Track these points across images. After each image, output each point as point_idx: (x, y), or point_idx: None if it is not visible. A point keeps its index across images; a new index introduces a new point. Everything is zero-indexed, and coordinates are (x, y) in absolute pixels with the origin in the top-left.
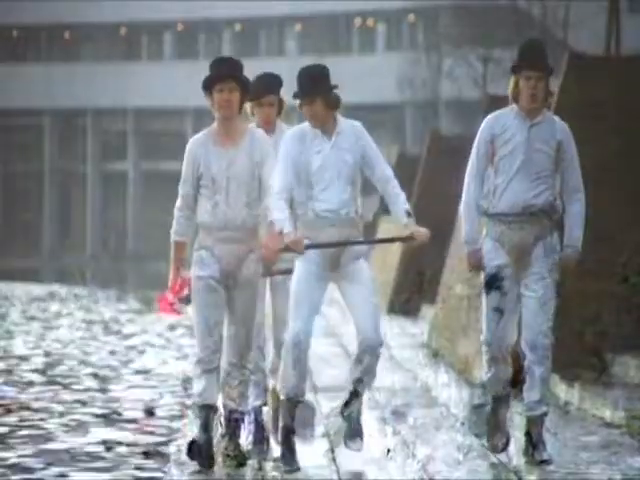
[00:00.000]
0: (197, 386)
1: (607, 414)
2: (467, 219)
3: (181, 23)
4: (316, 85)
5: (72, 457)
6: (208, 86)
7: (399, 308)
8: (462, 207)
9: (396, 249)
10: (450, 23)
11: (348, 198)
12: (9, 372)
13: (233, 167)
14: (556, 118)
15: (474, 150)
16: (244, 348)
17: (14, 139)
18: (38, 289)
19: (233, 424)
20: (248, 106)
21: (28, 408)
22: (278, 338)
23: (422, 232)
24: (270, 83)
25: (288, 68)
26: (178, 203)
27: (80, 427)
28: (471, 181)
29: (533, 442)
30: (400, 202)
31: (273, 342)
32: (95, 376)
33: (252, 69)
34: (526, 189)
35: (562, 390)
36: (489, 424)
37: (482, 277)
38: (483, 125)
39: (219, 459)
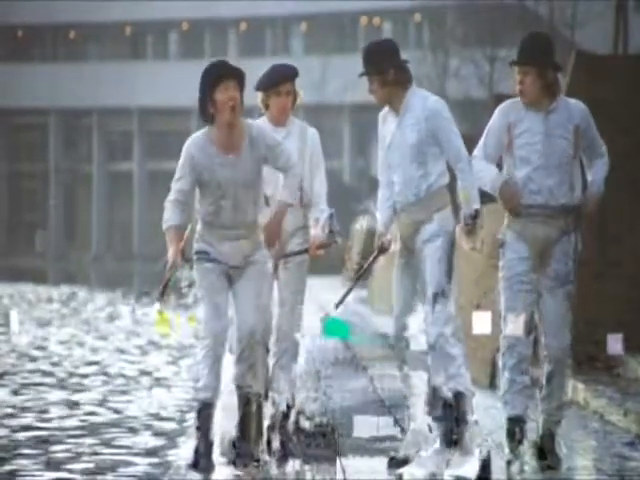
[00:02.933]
0: (201, 379)
1: (616, 417)
2: (482, 170)
3: (186, 23)
4: (368, 63)
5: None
6: (213, 83)
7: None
8: (472, 169)
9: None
10: (456, 22)
11: (417, 177)
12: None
13: (239, 173)
14: (571, 101)
15: (484, 136)
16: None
17: (19, 139)
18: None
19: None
20: (260, 98)
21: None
22: (283, 335)
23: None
24: (287, 71)
25: None
26: (171, 197)
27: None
28: (476, 162)
29: (546, 447)
30: (459, 187)
31: (276, 338)
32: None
33: (257, 68)
34: (548, 180)
35: (573, 391)
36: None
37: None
38: (497, 112)
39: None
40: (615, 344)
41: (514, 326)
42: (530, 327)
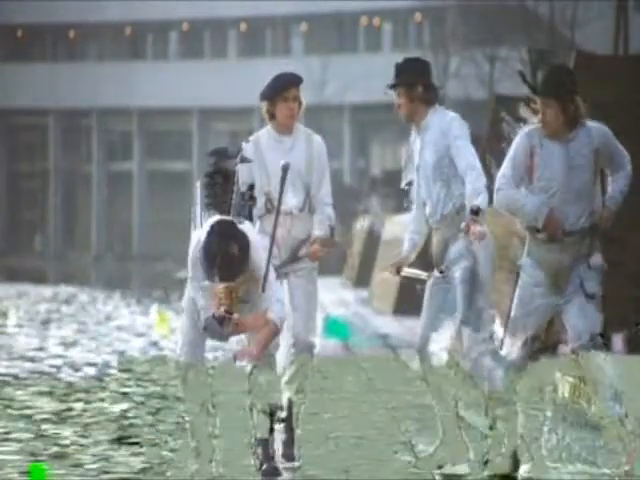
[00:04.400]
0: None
1: None
2: (522, 198)
3: (186, 22)
4: (398, 76)
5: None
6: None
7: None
8: (502, 202)
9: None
10: (457, 22)
11: (442, 197)
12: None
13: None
14: (593, 125)
15: (507, 164)
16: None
17: (19, 139)
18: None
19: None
20: (265, 108)
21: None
22: (300, 339)
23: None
24: (292, 77)
25: (293, 67)
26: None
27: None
28: (510, 191)
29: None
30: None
31: (292, 342)
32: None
33: (258, 68)
34: (566, 208)
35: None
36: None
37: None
38: (519, 138)
39: None
40: (618, 343)
41: (511, 348)
42: (530, 348)
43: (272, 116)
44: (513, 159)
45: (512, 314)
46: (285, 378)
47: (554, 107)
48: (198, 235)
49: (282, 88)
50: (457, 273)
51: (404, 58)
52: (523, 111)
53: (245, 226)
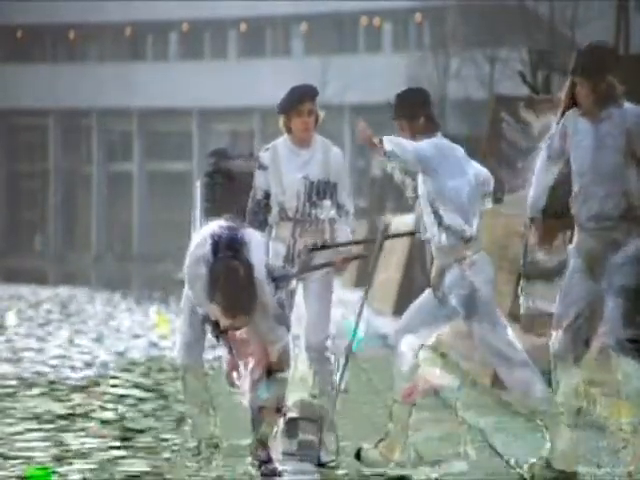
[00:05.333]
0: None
1: None
2: (537, 178)
3: (186, 23)
4: (400, 108)
5: None
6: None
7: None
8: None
9: (402, 249)
10: (457, 22)
11: (430, 228)
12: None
13: None
14: (629, 106)
15: (545, 144)
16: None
17: (19, 139)
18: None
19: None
20: (282, 121)
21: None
22: (311, 343)
23: None
24: (307, 90)
25: (294, 68)
26: None
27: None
28: (539, 161)
29: None
30: None
31: (305, 347)
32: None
33: (258, 69)
34: (598, 192)
35: None
36: None
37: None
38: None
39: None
40: None
41: (554, 340)
42: (572, 339)
43: (289, 129)
44: (550, 139)
45: (557, 304)
46: (297, 379)
47: (585, 86)
48: (198, 243)
49: (296, 102)
50: (453, 300)
51: (405, 89)
52: (523, 112)
53: (247, 235)
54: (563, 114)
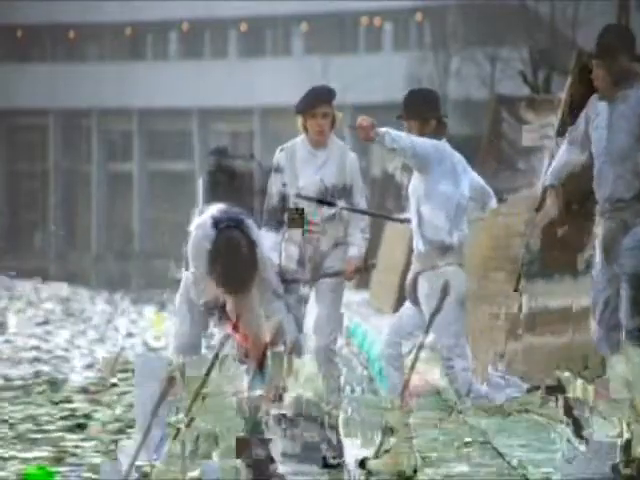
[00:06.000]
0: None
1: None
2: (558, 157)
3: (186, 22)
4: (411, 110)
5: None
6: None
7: None
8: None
9: (402, 248)
10: (458, 22)
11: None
12: None
13: None
14: None
15: (569, 129)
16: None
17: (19, 139)
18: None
19: None
20: (300, 121)
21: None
22: (320, 344)
23: None
24: (323, 93)
25: (294, 68)
26: None
27: None
28: (559, 152)
29: None
30: None
31: (314, 348)
32: None
33: (258, 68)
34: (611, 174)
35: None
36: None
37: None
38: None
39: None
40: None
41: (592, 333)
42: (605, 328)
43: (305, 129)
44: (575, 124)
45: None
46: (303, 378)
47: (600, 67)
48: (199, 224)
49: (310, 104)
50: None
51: (417, 89)
52: (524, 111)
53: (247, 218)
54: (563, 113)
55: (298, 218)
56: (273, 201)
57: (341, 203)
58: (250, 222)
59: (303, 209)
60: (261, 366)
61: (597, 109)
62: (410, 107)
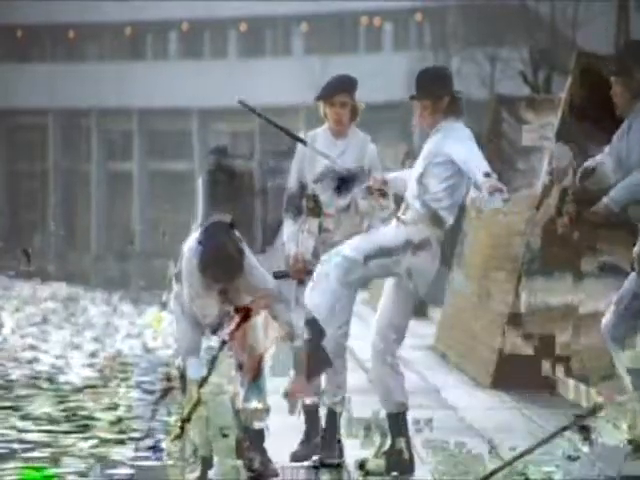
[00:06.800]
0: None
1: None
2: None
3: (186, 22)
4: (423, 88)
5: None
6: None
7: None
8: None
9: None
10: (458, 22)
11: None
12: None
13: None
14: None
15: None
16: None
17: (18, 139)
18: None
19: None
20: (321, 107)
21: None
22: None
23: None
24: (342, 82)
25: (294, 68)
26: None
27: None
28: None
29: None
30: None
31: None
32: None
33: (258, 68)
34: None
35: None
36: None
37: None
38: None
39: None
40: None
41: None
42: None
43: (326, 117)
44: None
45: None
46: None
47: (619, 84)
48: (188, 247)
49: (328, 93)
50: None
51: (428, 67)
52: (524, 111)
53: (235, 234)
54: (564, 113)
55: (314, 207)
56: (292, 187)
57: (357, 189)
58: (237, 236)
59: (318, 197)
60: (255, 378)
61: (623, 125)
62: (422, 86)
